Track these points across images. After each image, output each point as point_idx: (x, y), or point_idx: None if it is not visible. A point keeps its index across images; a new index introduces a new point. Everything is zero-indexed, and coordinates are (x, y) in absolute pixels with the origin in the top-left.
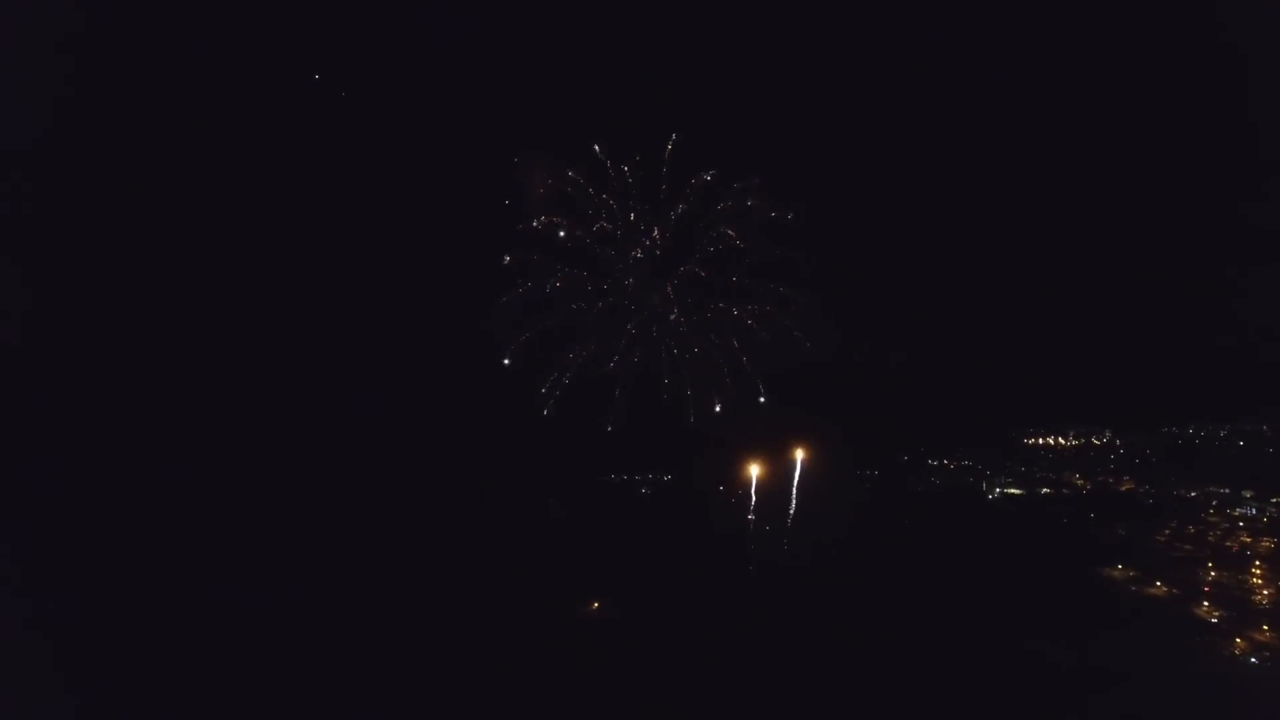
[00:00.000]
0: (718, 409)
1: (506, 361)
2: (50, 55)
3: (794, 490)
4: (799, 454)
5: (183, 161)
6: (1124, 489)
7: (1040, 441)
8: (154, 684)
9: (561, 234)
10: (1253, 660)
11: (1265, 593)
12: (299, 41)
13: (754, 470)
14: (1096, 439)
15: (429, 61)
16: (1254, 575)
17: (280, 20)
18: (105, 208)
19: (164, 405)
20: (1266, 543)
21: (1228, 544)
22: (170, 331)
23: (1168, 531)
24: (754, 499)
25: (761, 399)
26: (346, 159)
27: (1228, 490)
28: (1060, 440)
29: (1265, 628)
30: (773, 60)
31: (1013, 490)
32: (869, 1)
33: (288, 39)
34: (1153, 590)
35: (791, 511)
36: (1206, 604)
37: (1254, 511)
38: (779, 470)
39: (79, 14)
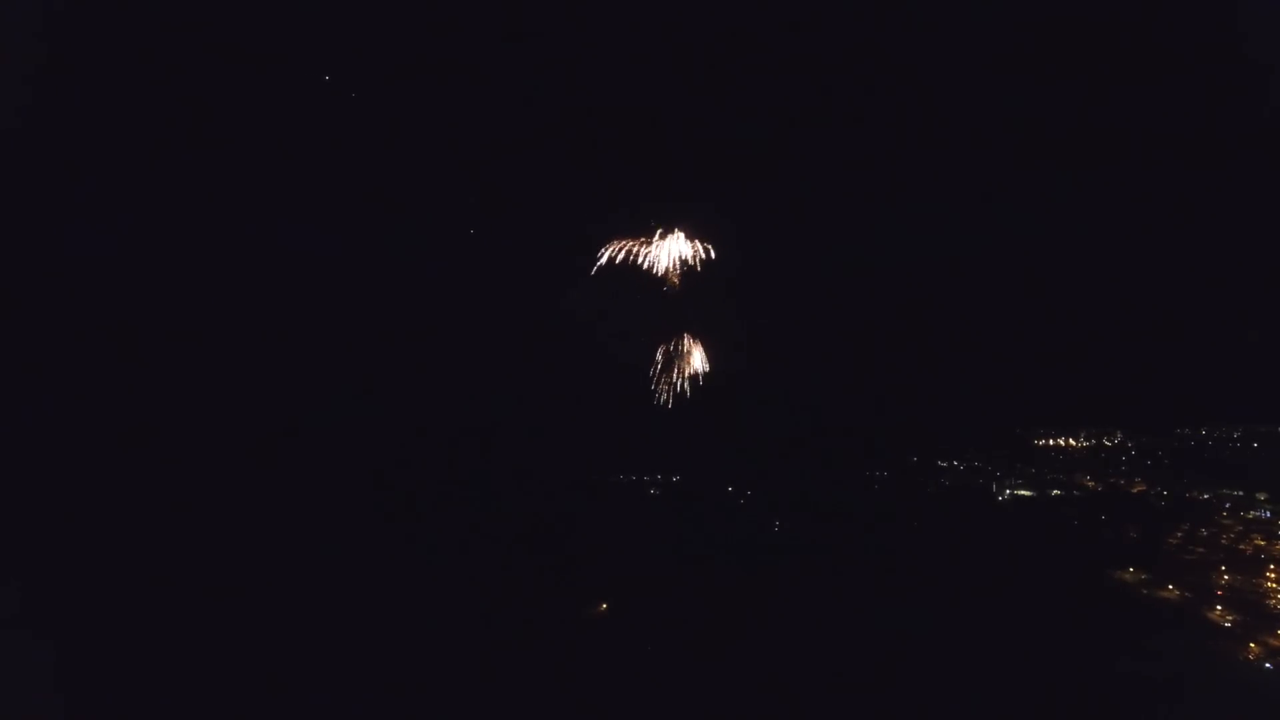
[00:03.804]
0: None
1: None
2: (56, 55)
3: None
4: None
5: (193, 162)
6: (1135, 491)
7: (1051, 442)
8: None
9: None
10: (1267, 666)
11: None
12: (308, 43)
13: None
14: (1108, 440)
15: (435, 63)
16: (1268, 579)
17: (288, 21)
18: (110, 208)
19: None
20: None
21: (1241, 547)
22: (178, 331)
23: (1180, 534)
24: None
25: None
26: (356, 158)
27: (1241, 493)
28: (1071, 441)
29: None
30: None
31: (1023, 491)
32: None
33: (296, 40)
34: (1164, 593)
35: None
36: (1219, 608)
37: (1268, 514)
38: None
39: (89, 13)
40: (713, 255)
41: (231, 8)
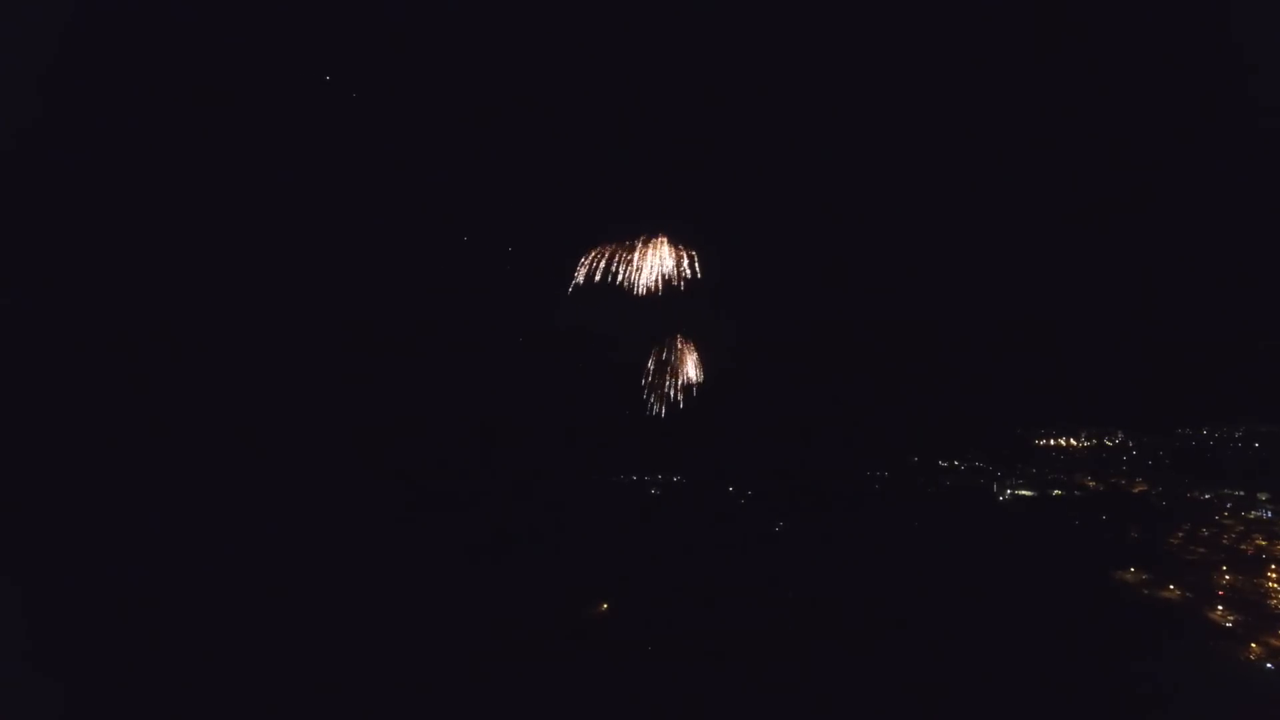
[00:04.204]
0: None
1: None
2: (61, 56)
3: None
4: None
5: (196, 162)
6: (1137, 491)
7: (1052, 442)
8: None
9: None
10: (1269, 666)
11: None
12: (311, 43)
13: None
14: (1109, 440)
15: (437, 64)
16: (1270, 579)
17: (291, 22)
18: (113, 209)
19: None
20: None
21: (1242, 547)
22: (177, 332)
23: (1181, 534)
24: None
25: None
26: (358, 159)
27: (1242, 493)
28: (1072, 441)
29: None
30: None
31: (1024, 492)
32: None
33: (299, 41)
34: (1166, 594)
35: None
36: (1221, 608)
37: (1269, 515)
38: None
39: (94, 15)
40: (697, 263)
41: (232, 8)
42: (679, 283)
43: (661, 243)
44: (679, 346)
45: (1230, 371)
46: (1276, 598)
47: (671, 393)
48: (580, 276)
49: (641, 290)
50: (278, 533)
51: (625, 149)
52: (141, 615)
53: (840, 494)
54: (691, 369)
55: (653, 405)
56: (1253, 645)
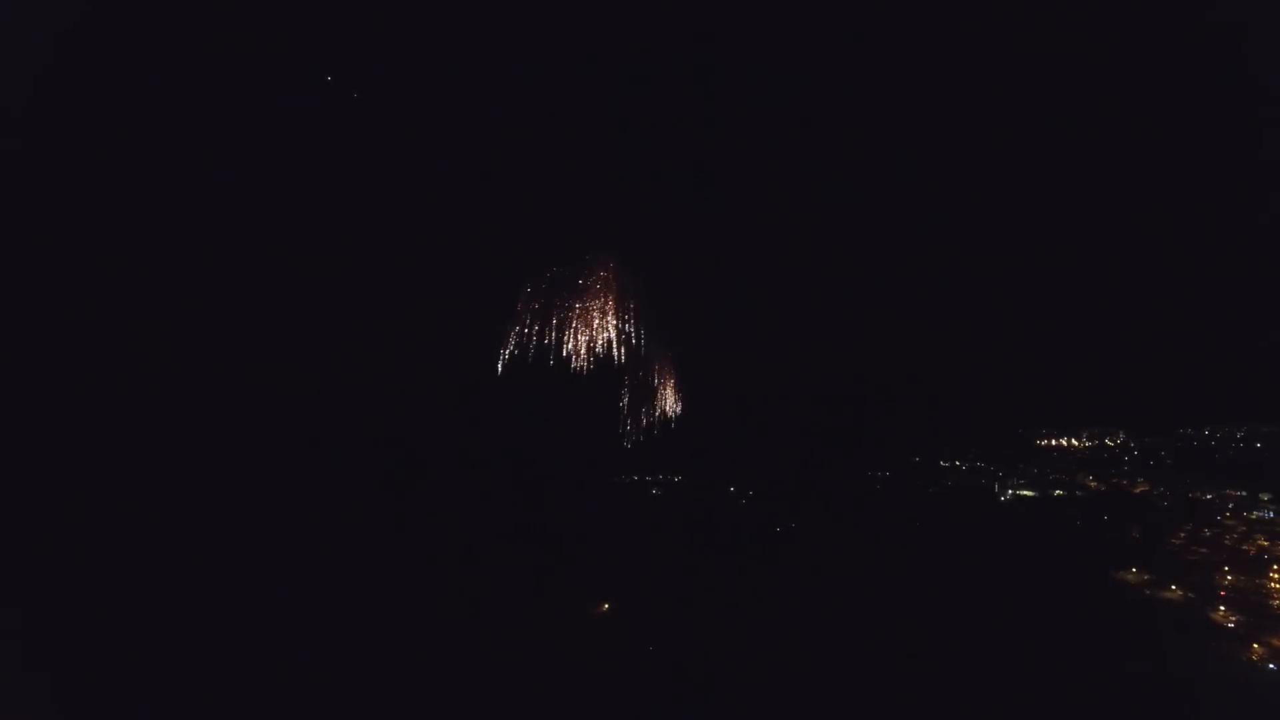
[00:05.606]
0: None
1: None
2: (63, 55)
3: None
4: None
5: (192, 162)
6: (1138, 491)
7: (1053, 442)
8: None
9: None
10: (1270, 666)
11: None
12: (311, 44)
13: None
14: (1110, 440)
15: (437, 64)
16: (1272, 579)
17: (292, 22)
18: (113, 209)
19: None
20: None
21: (1244, 548)
22: (177, 332)
23: (1183, 534)
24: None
25: None
26: (357, 159)
27: (1244, 493)
28: (1073, 441)
29: None
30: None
31: (1025, 492)
32: None
33: (299, 41)
34: (1167, 594)
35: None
36: (1223, 608)
37: (1271, 515)
38: None
39: (99, 15)
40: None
41: (233, 8)
42: (638, 305)
43: (610, 266)
44: (655, 371)
45: (1231, 371)
46: (1278, 598)
47: (646, 421)
48: (528, 320)
49: (598, 325)
50: (283, 535)
51: (571, 163)
52: (139, 615)
53: (841, 494)
54: (670, 396)
55: (630, 436)
56: (1254, 646)
